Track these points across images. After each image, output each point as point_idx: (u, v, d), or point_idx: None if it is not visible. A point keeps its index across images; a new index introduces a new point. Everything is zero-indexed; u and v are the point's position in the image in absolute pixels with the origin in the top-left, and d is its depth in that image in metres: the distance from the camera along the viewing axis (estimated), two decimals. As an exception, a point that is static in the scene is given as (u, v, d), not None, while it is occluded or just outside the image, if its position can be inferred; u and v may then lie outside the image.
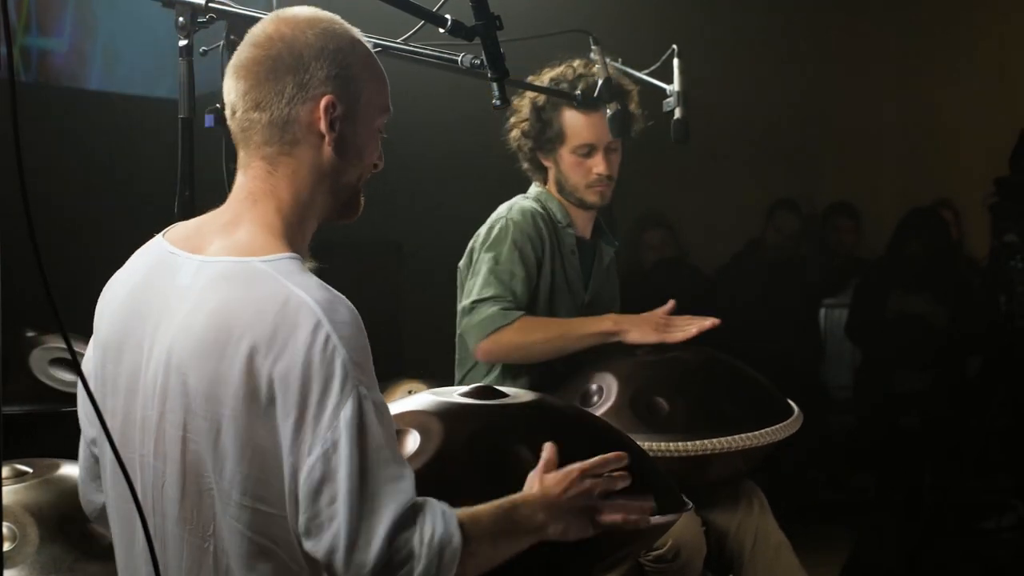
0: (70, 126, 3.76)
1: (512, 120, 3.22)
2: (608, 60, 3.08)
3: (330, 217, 1.85)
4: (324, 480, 1.60)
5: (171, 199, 2.35)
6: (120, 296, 1.78)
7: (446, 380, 3.24)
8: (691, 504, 2.23)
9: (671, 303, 3.09)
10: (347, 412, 1.60)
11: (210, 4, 2.27)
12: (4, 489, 2.29)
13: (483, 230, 3.14)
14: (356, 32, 1.82)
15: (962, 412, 5.42)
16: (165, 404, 1.69)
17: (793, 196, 6.22)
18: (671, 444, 2.69)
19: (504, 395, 2.20)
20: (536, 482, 1.85)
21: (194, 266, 1.73)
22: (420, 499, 1.66)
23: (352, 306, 1.69)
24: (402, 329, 5.83)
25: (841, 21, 6.67)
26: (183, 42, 2.27)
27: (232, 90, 1.77)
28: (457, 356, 3.21)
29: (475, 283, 3.05)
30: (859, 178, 6.75)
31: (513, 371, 3.11)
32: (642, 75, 3.15)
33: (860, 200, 6.50)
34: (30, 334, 2.82)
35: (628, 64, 3.18)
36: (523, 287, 3.03)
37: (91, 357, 1.84)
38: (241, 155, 1.80)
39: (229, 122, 1.80)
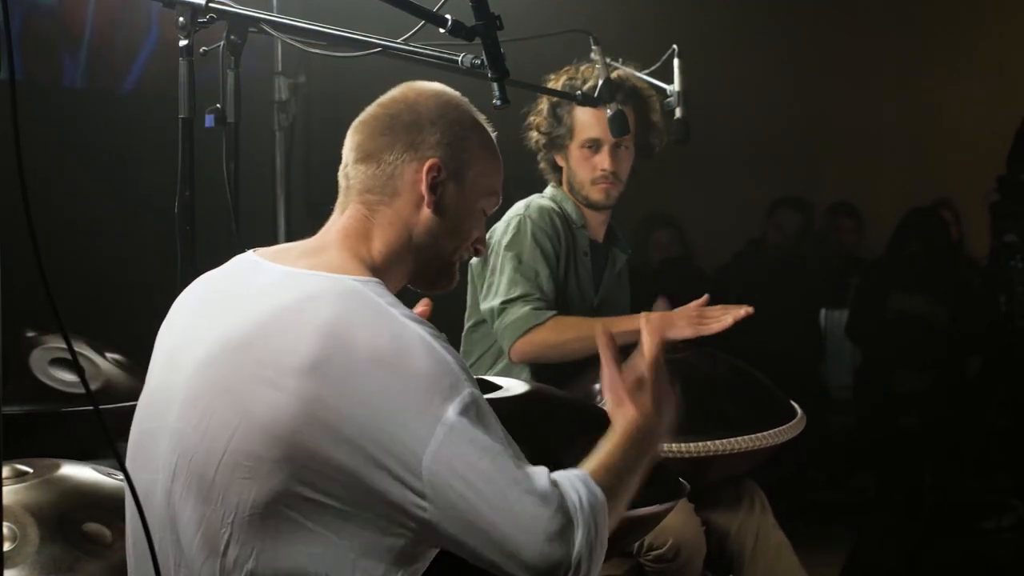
0: (70, 126, 3.76)
1: (530, 119, 3.24)
2: (612, 63, 3.09)
3: (418, 283, 1.87)
4: (447, 517, 1.60)
5: (171, 199, 2.35)
6: (197, 291, 1.84)
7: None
8: (688, 487, 2.22)
9: (705, 296, 3.08)
10: (454, 410, 1.61)
11: (210, 4, 2.27)
12: (4, 489, 2.29)
13: (500, 226, 3.15)
14: (481, 116, 1.89)
15: (962, 412, 5.42)
16: (200, 402, 1.68)
17: (795, 195, 6.22)
18: (672, 444, 2.69)
19: (498, 387, 2.21)
20: (628, 398, 1.82)
21: (278, 272, 1.76)
22: (553, 476, 1.66)
23: (427, 338, 1.67)
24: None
25: (841, 21, 6.68)
26: (183, 42, 2.27)
27: (347, 144, 1.85)
28: (463, 349, 3.21)
29: (500, 282, 3.05)
30: (860, 178, 6.75)
31: (516, 370, 3.11)
32: (642, 75, 3.16)
33: (861, 200, 6.50)
34: (30, 334, 2.82)
35: (628, 64, 3.18)
36: (549, 284, 3.04)
37: (162, 348, 1.84)
38: (341, 199, 1.85)
39: (340, 176, 1.86)
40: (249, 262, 1.82)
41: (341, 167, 1.86)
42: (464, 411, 1.62)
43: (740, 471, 2.94)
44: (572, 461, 1.88)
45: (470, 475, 1.60)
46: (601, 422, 2.24)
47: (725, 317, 3.00)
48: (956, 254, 6.07)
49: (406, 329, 1.65)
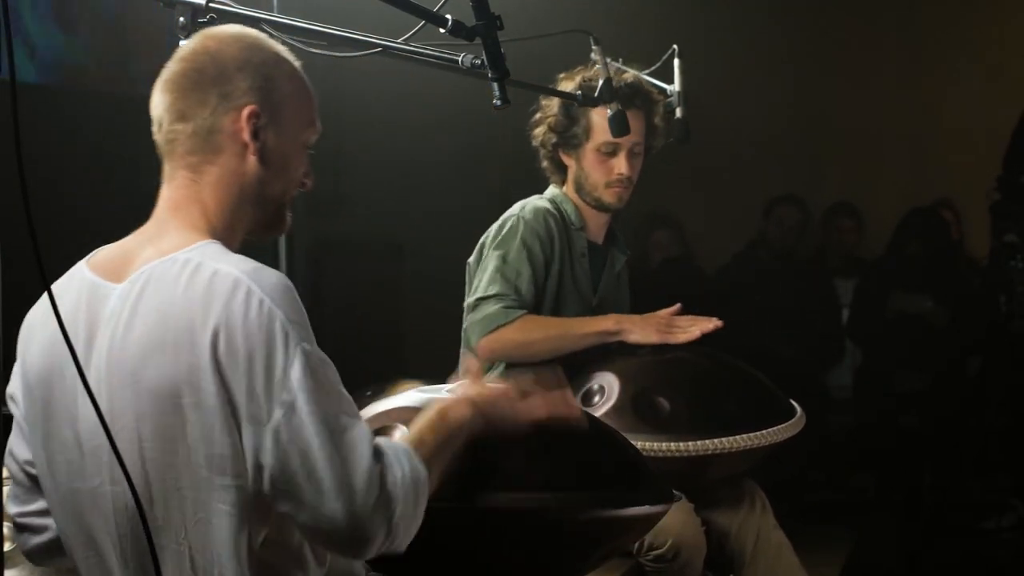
0: (70, 125, 3.76)
1: (539, 116, 3.23)
2: (621, 67, 3.09)
3: (255, 231, 1.85)
4: (291, 441, 1.62)
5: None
6: (49, 328, 1.72)
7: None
8: (680, 496, 2.23)
9: (678, 305, 3.09)
10: (296, 371, 1.63)
11: (210, 4, 2.27)
12: (4, 489, 2.29)
13: (495, 227, 3.15)
14: (282, 49, 1.86)
15: (962, 412, 5.42)
16: (115, 424, 1.68)
17: (793, 194, 6.22)
18: (672, 444, 2.69)
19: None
20: (458, 387, 1.96)
21: (118, 293, 1.73)
22: (379, 443, 1.70)
23: (280, 272, 1.71)
24: (403, 329, 5.83)
25: (841, 21, 6.67)
26: (184, 42, 2.27)
27: (158, 104, 1.80)
28: (462, 351, 3.21)
29: (481, 279, 3.06)
30: (860, 178, 6.75)
31: (516, 370, 3.11)
32: (643, 75, 3.15)
33: (861, 200, 6.50)
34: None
35: (628, 64, 3.18)
36: (528, 285, 3.04)
37: (17, 388, 1.83)
38: (166, 167, 1.82)
39: (155, 136, 1.81)
40: (88, 284, 1.78)
41: (155, 128, 1.81)
42: (303, 370, 1.63)
43: (739, 470, 2.94)
44: (555, 463, 1.91)
45: (306, 438, 1.62)
46: (596, 433, 2.25)
47: (693, 329, 3.01)
48: (956, 254, 6.06)
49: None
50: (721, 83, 5.98)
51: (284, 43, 1.90)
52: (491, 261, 3.06)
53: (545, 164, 3.27)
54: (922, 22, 6.64)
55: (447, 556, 1.94)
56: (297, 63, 1.87)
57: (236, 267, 1.67)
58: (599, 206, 3.19)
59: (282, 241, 4.19)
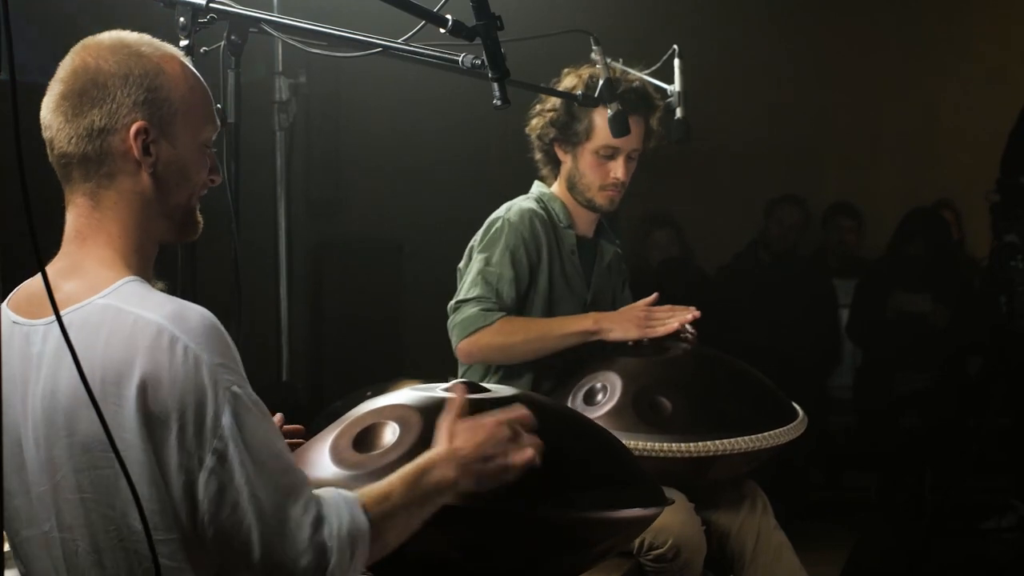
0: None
1: (539, 107, 3.21)
2: (624, 68, 3.09)
3: (168, 239, 1.79)
4: (222, 490, 1.59)
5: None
6: None
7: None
8: (672, 500, 2.23)
9: (654, 295, 3.09)
10: (227, 418, 1.59)
11: (210, 4, 2.27)
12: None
13: (481, 229, 3.15)
14: (167, 49, 1.77)
15: (963, 412, 5.42)
16: (57, 474, 1.65)
17: (793, 193, 6.22)
18: (673, 444, 2.69)
19: (485, 390, 2.21)
20: (445, 434, 1.84)
21: (40, 332, 1.68)
22: (316, 492, 1.66)
23: (203, 309, 1.64)
24: (402, 329, 5.83)
25: (841, 21, 6.68)
26: (184, 42, 2.26)
27: (47, 126, 1.72)
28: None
29: (464, 282, 3.06)
30: (860, 178, 6.75)
31: (516, 370, 3.11)
32: (643, 75, 3.15)
33: (861, 200, 6.50)
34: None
35: (628, 64, 3.18)
36: (510, 288, 3.04)
37: None
38: (66, 192, 1.74)
39: (49, 157, 1.74)
40: (10, 326, 1.72)
41: (49, 152, 1.73)
42: (233, 416, 1.60)
43: (741, 471, 2.93)
44: (548, 465, 1.91)
45: (236, 488, 1.59)
46: (584, 430, 2.25)
47: (671, 320, 3.01)
48: (957, 254, 6.07)
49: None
50: (721, 83, 5.99)
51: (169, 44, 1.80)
52: (474, 264, 3.06)
53: (539, 156, 3.25)
54: (922, 22, 6.64)
55: (438, 557, 1.94)
56: (185, 59, 1.79)
57: (157, 312, 1.61)
58: (590, 207, 3.19)
59: (282, 242, 4.19)
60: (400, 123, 5.59)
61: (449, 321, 3.05)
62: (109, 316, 1.63)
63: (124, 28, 1.79)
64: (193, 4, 2.26)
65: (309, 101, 4.60)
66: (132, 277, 1.68)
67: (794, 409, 2.92)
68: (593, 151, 3.14)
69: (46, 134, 1.73)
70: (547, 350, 3.04)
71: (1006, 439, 5.22)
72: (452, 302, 3.06)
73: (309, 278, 5.42)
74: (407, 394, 2.15)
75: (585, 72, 3.11)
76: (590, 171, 3.15)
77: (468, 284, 3.04)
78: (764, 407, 2.87)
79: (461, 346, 3.01)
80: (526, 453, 1.86)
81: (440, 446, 1.83)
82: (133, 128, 1.70)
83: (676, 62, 3.10)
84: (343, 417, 2.16)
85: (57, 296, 1.58)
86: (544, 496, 1.96)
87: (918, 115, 6.66)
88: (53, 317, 1.57)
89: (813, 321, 5.89)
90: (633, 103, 3.06)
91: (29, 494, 1.70)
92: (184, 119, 1.74)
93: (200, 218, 1.81)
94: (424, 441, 1.95)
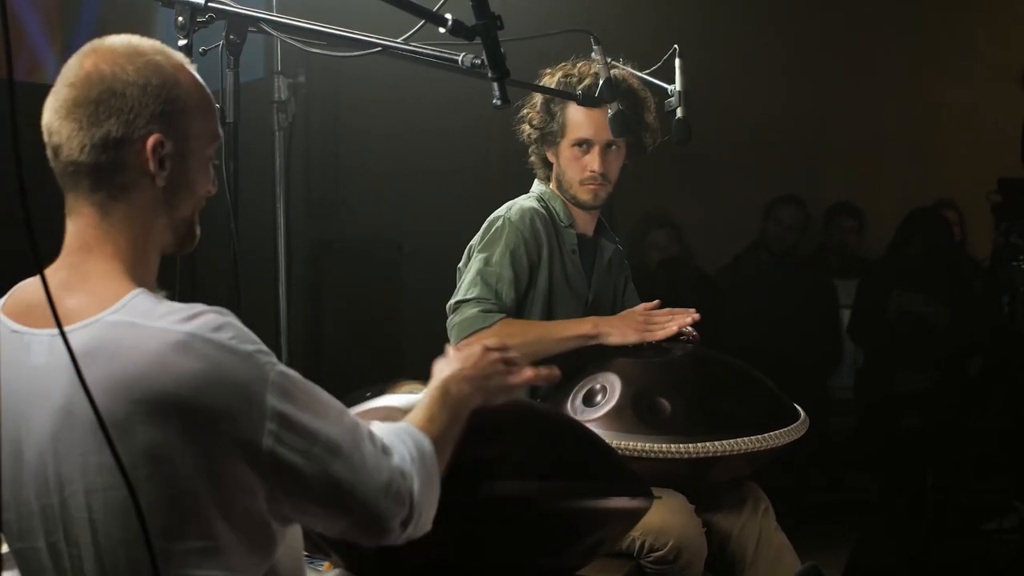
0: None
1: (524, 112, 3.22)
2: (611, 61, 3.08)
3: (167, 251, 1.77)
4: (297, 454, 1.61)
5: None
6: (4, 376, 1.63)
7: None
8: (659, 496, 2.23)
9: (656, 301, 3.09)
10: (273, 397, 1.60)
11: (209, 4, 2.26)
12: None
13: (482, 229, 3.14)
14: (179, 59, 1.74)
15: (964, 413, 5.41)
16: (64, 490, 1.63)
17: (794, 193, 6.21)
18: (673, 445, 2.68)
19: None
20: (445, 363, 2.02)
21: (45, 342, 1.64)
22: (380, 426, 1.77)
23: (215, 308, 1.62)
24: (402, 329, 5.83)
25: (841, 21, 6.67)
26: (182, 42, 2.26)
27: (54, 132, 1.67)
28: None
29: (464, 282, 3.05)
30: (861, 178, 6.74)
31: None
32: (643, 75, 3.15)
33: (862, 200, 6.50)
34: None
35: (628, 64, 3.17)
36: (509, 289, 3.03)
37: None
38: (69, 200, 1.70)
39: (52, 163, 1.69)
40: (9, 334, 1.68)
41: (51, 153, 1.68)
42: (281, 388, 1.61)
43: (742, 473, 2.93)
44: (531, 453, 1.95)
45: (310, 441, 1.63)
46: (571, 433, 2.26)
47: (670, 324, 3.00)
48: (958, 255, 6.06)
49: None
50: (721, 83, 5.98)
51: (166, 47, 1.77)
52: (475, 263, 3.05)
53: (533, 159, 3.27)
54: (923, 22, 6.63)
55: (430, 552, 1.93)
56: (193, 68, 1.75)
57: (175, 323, 1.59)
58: (576, 203, 3.18)
59: (281, 241, 4.18)
60: (400, 123, 5.58)
61: (448, 321, 3.04)
62: (126, 333, 1.59)
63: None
64: (192, 3, 2.26)
65: (308, 101, 4.59)
66: (139, 290, 1.65)
67: (795, 410, 2.91)
68: (569, 146, 3.14)
69: (53, 139, 1.68)
70: (545, 353, 3.03)
71: (1008, 440, 5.22)
72: (451, 301, 3.05)
73: (308, 278, 5.41)
74: (396, 397, 2.16)
75: (559, 72, 3.11)
76: (569, 167, 3.16)
77: (467, 284, 3.03)
78: (765, 408, 2.86)
79: (459, 347, 3.00)
80: (525, 372, 2.06)
81: (444, 371, 1.98)
82: (150, 141, 1.66)
83: (676, 62, 3.09)
84: None
85: (61, 310, 1.55)
86: (530, 483, 1.99)
87: (919, 115, 6.66)
88: (56, 329, 1.54)
89: (814, 321, 5.88)
90: (603, 93, 3.03)
91: (29, 507, 1.67)
92: (196, 133, 1.72)
93: (198, 231, 1.80)
94: None
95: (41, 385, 1.64)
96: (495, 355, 2.04)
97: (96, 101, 1.65)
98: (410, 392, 2.21)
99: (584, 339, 3.03)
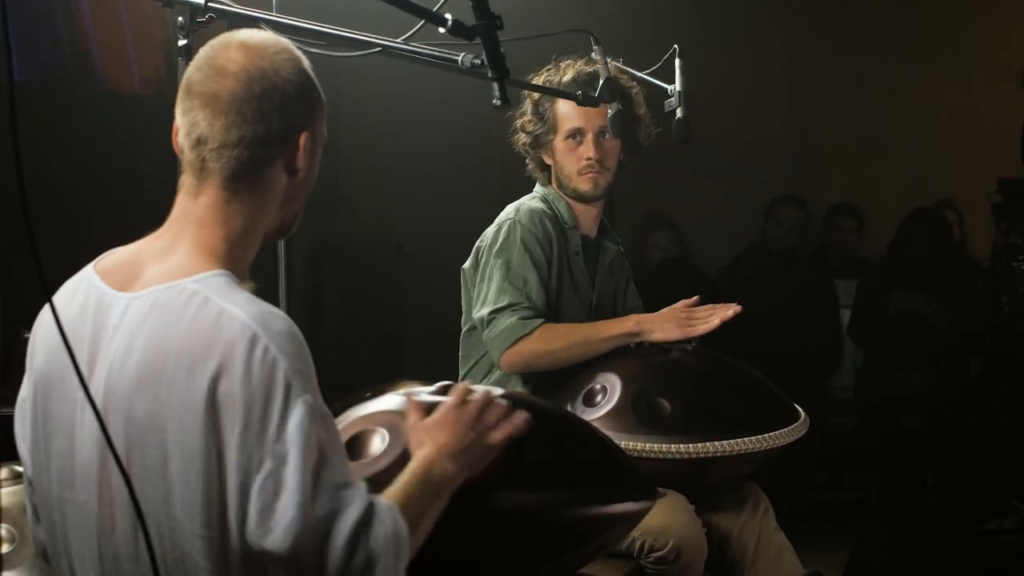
0: (69, 126, 3.75)
1: (516, 123, 3.24)
2: (609, 60, 3.08)
3: (271, 237, 1.82)
4: (277, 495, 1.58)
5: (171, 199, 2.33)
6: (54, 332, 1.67)
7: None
8: (663, 493, 2.22)
9: (696, 297, 3.09)
10: (293, 424, 1.59)
11: (209, 4, 2.26)
12: (3, 491, 2.28)
13: (490, 232, 3.13)
14: (300, 54, 1.80)
15: (964, 413, 5.41)
16: (106, 447, 1.65)
17: (794, 194, 6.21)
18: (673, 445, 2.68)
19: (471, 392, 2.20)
20: (422, 435, 1.87)
21: (123, 304, 1.69)
22: (369, 500, 1.66)
23: (287, 316, 1.65)
24: (402, 329, 5.83)
25: (842, 21, 6.67)
26: (182, 42, 2.26)
27: (200, 119, 1.71)
28: (461, 353, 3.21)
29: (490, 290, 3.03)
30: (861, 178, 6.74)
31: (512, 380, 3.10)
32: (643, 75, 3.15)
33: (862, 200, 6.49)
34: (29, 335, 2.81)
35: (628, 64, 3.18)
36: (538, 291, 3.03)
37: (26, 391, 1.81)
38: (192, 182, 1.75)
39: (188, 150, 1.73)
40: (95, 291, 1.73)
41: (187, 141, 1.73)
42: (300, 424, 1.60)
43: (742, 473, 2.93)
44: (536, 462, 1.91)
45: (292, 493, 1.59)
46: (578, 432, 2.25)
47: (712, 318, 3.01)
48: (958, 254, 6.05)
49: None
50: (722, 83, 5.97)
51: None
52: (496, 270, 3.03)
53: (531, 166, 3.27)
54: (923, 22, 6.63)
55: (431, 558, 1.93)
56: (307, 62, 1.81)
57: (244, 309, 1.62)
58: (578, 196, 3.18)
59: (281, 242, 4.18)
60: (400, 123, 5.57)
61: (486, 333, 3.02)
62: (195, 302, 1.63)
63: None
64: (192, 3, 2.26)
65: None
66: (224, 271, 1.69)
67: (795, 410, 2.91)
68: (563, 139, 3.16)
69: (194, 127, 1.71)
70: (589, 354, 3.02)
71: (1008, 440, 5.22)
72: (483, 312, 3.02)
73: (308, 278, 5.41)
74: (394, 399, 2.15)
75: (544, 73, 3.12)
76: (565, 159, 3.16)
77: (496, 292, 3.01)
78: (764, 408, 2.86)
79: (504, 357, 2.99)
80: (503, 429, 1.90)
81: (424, 448, 1.85)
82: (303, 139, 1.74)
83: (677, 62, 3.10)
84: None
85: (148, 272, 1.68)
86: (536, 494, 1.98)
87: (919, 115, 6.65)
88: (139, 292, 1.66)
89: (814, 321, 5.88)
90: (589, 84, 3.03)
91: (74, 459, 1.71)
92: (321, 128, 1.80)
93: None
94: None
95: (108, 345, 1.68)
96: (471, 410, 1.90)
97: (260, 96, 1.70)
98: (410, 392, 2.19)
99: (628, 337, 3.03)
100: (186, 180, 1.76)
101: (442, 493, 1.82)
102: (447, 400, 1.92)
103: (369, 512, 1.64)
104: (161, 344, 1.62)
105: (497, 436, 1.90)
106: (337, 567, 1.60)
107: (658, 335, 3.01)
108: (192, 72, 1.75)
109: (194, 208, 1.74)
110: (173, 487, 1.62)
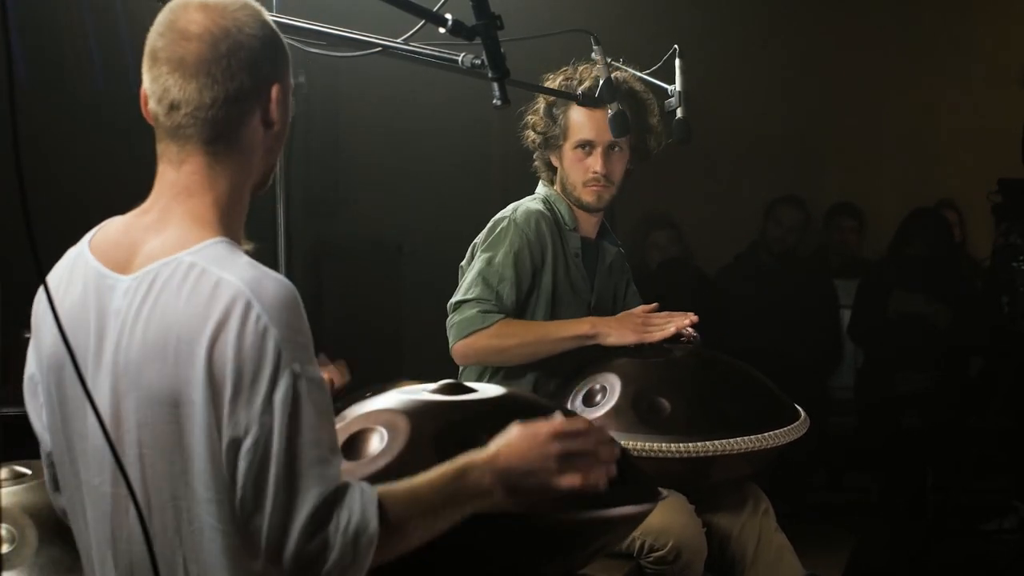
0: (68, 126, 3.76)
1: (527, 118, 3.23)
2: (613, 63, 3.08)
3: (254, 192, 1.83)
4: (261, 464, 1.59)
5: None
6: (61, 311, 1.67)
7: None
8: (665, 494, 2.21)
9: (654, 304, 3.09)
10: (280, 394, 1.59)
11: (209, 4, 2.26)
12: (3, 491, 2.28)
13: (486, 228, 3.14)
14: (263, 8, 1.80)
15: (964, 413, 5.41)
16: (120, 428, 1.66)
17: (794, 194, 6.21)
18: (672, 445, 2.68)
19: (472, 391, 2.20)
20: (500, 438, 1.79)
21: (124, 285, 1.69)
22: (343, 483, 1.63)
23: (285, 280, 1.65)
24: (402, 329, 5.83)
25: (842, 21, 6.67)
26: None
27: (172, 87, 1.70)
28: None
29: (465, 280, 3.06)
30: (861, 178, 6.74)
31: (517, 371, 3.11)
32: (644, 75, 3.15)
33: (862, 200, 6.49)
34: (29, 335, 2.81)
35: (628, 64, 3.17)
36: (511, 290, 3.03)
37: (33, 367, 1.82)
38: (172, 149, 1.73)
39: (162, 116, 1.72)
40: (94, 274, 1.73)
41: (163, 108, 1.71)
42: (287, 393, 1.60)
43: (742, 473, 2.93)
44: None
45: (269, 463, 1.59)
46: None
47: (668, 326, 3.01)
48: (958, 255, 6.05)
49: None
50: (722, 83, 5.98)
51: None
52: (478, 263, 3.06)
53: (537, 164, 3.28)
54: (923, 22, 6.63)
55: (430, 557, 1.93)
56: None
57: (240, 276, 1.63)
58: (580, 206, 3.19)
59: (281, 241, 4.18)
60: (400, 123, 5.58)
61: (448, 320, 3.04)
62: (193, 275, 1.64)
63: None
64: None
65: (308, 101, 4.58)
66: (221, 238, 1.69)
67: (795, 410, 2.91)
68: (572, 148, 3.16)
69: (170, 95, 1.70)
70: (543, 354, 3.04)
71: (1008, 440, 5.22)
72: (452, 300, 3.05)
73: (308, 278, 5.41)
74: (392, 397, 2.15)
75: (560, 75, 3.13)
76: (572, 168, 3.17)
77: (468, 284, 3.04)
78: (764, 408, 2.86)
79: (456, 347, 3.01)
80: (573, 479, 1.79)
81: (483, 451, 1.77)
82: (274, 91, 1.74)
83: (677, 62, 3.10)
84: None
85: (145, 249, 1.68)
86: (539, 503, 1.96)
87: (919, 115, 6.65)
88: (139, 273, 1.66)
89: (814, 321, 5.88)
90: (603, 94, 3.04)
91: (85, 443, 1.72)
92: (288, 75, 1.79)
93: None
94: (412, 445, 1.96)
95: (114, 328, 1.68)
96: (556, 448, 1.77)
97: (227, 55, 1.69)
98: (410, 392, 2.19)
99: (582, 339, 3.03)
100: (165, 148, 1.75)
101: (465, 503, 1.73)
102: (555, 418, 1.84)
103: (336, 496, 1.61)
104: (163, 320, 1.63)
105: (565, 481, 1.78)
106: (293, 550, 1.59)
107: (613, 339, 3.01)
108: (155, 38, 1.73)
109: (179, 178, 1.73)
110: (190, 460, 1.63)
